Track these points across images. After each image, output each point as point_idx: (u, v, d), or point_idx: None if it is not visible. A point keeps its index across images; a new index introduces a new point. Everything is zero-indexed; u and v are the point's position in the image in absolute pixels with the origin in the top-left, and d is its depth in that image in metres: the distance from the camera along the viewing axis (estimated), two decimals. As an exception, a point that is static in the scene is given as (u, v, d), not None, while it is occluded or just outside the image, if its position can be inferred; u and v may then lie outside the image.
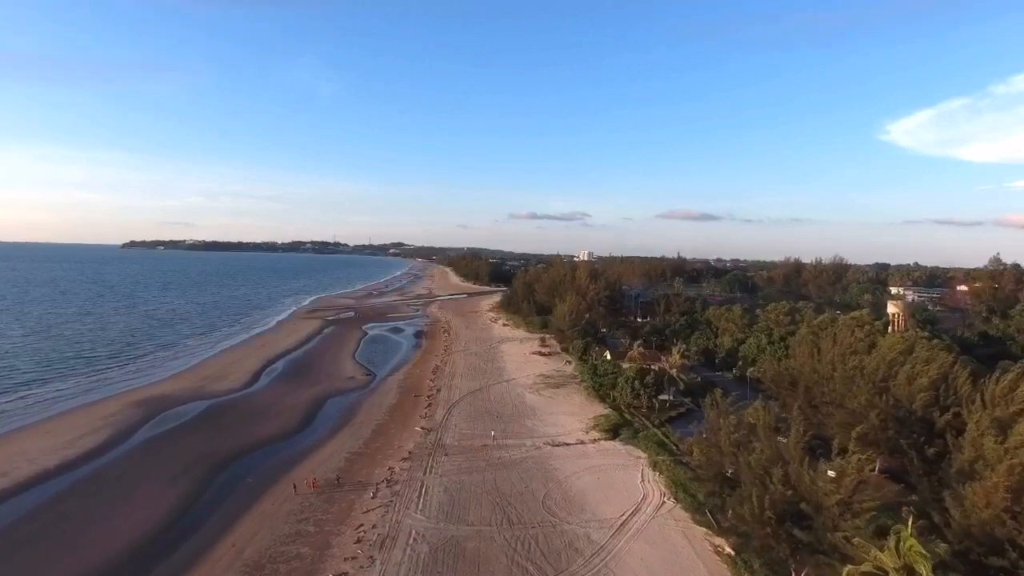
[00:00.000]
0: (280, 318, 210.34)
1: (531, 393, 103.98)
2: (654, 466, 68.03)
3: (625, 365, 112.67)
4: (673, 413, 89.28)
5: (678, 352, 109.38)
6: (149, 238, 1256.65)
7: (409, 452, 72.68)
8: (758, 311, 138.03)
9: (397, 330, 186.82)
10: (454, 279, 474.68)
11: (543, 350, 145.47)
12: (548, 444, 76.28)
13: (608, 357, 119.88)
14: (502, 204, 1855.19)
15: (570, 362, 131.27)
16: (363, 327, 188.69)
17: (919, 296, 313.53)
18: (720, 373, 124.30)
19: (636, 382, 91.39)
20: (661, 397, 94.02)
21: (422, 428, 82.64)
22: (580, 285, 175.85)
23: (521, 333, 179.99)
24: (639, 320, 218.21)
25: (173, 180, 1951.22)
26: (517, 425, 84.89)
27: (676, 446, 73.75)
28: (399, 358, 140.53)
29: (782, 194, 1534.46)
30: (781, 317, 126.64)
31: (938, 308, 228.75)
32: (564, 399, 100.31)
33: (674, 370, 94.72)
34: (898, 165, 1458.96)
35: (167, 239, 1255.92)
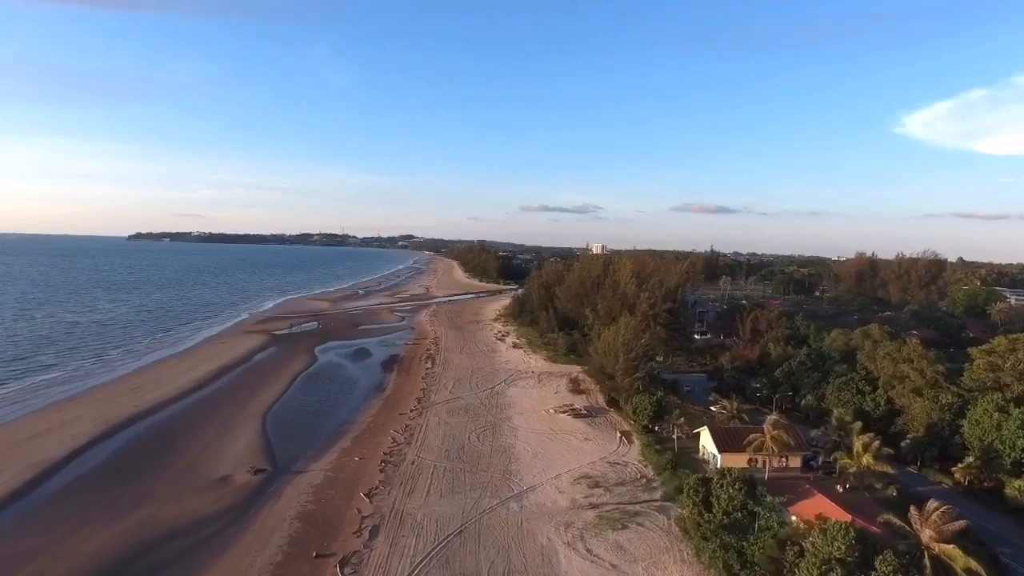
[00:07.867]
0: (214, 332, 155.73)
1: (572, 549, 48.07)
2: None
3: (746, 462, 56.57)
4: None
5: (870, 453, 52.56)
6: (160, 229, 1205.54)
7: None
8: (972, 350, 79.64)
9: (362, 354, 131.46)
10: (459, 274, 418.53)
11: (577, 405, 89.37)
12: None
13: (712, 449, 63.24)
14: (514, 196, 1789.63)
15: (629, 437, 75.10)
16: (317, 348, 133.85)
17: (1018, 300, 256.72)
18: (916, 470, 67.29)
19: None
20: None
21: None
22: (627, 294, 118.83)
23: (539, 362, 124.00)
24: (696, 336, 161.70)
25: (185, 172, 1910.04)
26: None
27: None
28: (340, 418, 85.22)
29: (799, 187, 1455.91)
30: (1027, 365, 68.24)
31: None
32: (646, 572, 44.40)
33: (949, 548, 37.38)
34: (916, 158, 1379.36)
35: (175, 231, 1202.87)
